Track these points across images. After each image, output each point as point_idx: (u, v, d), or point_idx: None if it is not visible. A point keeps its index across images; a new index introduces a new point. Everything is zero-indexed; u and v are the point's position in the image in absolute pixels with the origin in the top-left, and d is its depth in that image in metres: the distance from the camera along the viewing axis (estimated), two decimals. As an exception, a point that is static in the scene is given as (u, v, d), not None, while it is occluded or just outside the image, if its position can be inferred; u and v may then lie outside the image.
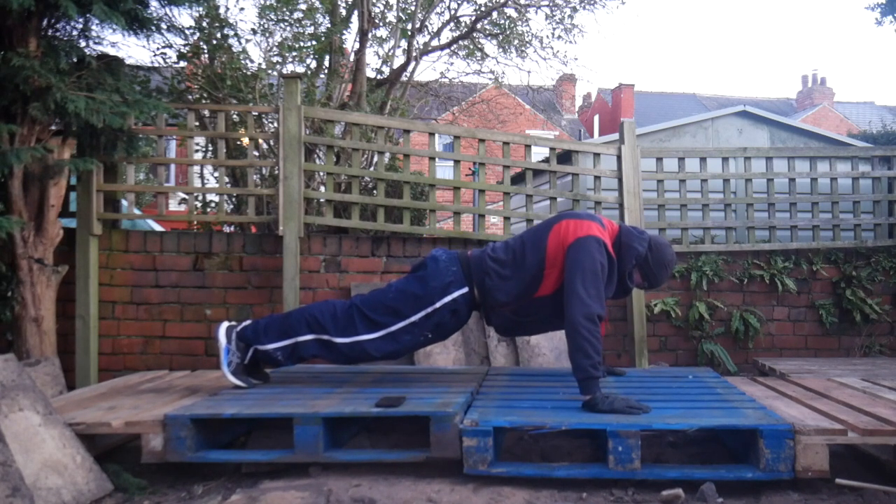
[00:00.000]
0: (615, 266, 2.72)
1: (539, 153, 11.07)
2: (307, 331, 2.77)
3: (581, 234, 2.65)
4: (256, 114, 4.56)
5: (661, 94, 28.46)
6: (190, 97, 4.98)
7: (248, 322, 2.89)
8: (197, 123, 4.57)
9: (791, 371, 3.58)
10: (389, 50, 6.77)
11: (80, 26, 3.37)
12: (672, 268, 2.89)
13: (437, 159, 4.17)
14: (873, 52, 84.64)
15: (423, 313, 2.73)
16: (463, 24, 7.60)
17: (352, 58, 5.92)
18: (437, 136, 4.21)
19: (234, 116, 4.86)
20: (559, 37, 7.92)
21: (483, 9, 7.45)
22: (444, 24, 7.50)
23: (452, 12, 7.50)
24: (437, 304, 2.73)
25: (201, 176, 5.42)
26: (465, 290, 2.75)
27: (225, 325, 2.84)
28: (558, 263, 2.68)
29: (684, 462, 2.55)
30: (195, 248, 3.98)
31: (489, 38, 7.79)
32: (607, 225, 2.80)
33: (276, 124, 4.02)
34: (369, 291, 2.93)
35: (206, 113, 4.91)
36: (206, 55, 5.05)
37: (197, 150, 4.47)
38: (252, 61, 5.25)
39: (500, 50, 7.93)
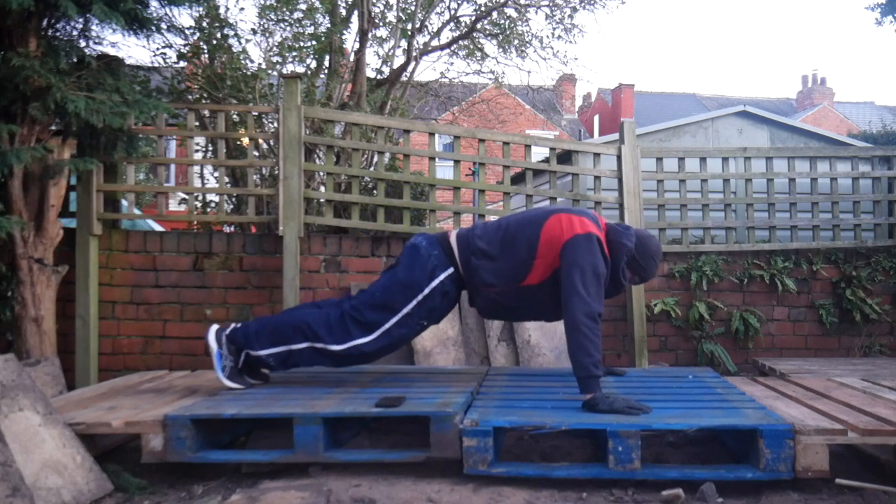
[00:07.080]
0: (608, 264, 2.71)
1: (539, 153, 11.08)
2: (301, 339, 2.74)
3: (578, 231, 2.64)
4: (256, 114, 4.56)
5: (661, 94, 28.46)
6: (190, 97, 4.97)
7: (237, 325, 2.85)
8: (197, 123, 4.57)
9: (791, 371, 3.58)
10: (389, 50, 6.76)
11: (80, 26, 3.37)
12: (659, 257, 2.87)
13: (437, 159, 4.17)
14: (873, 52, 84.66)
15: (414, 302, 2.72)
16: (463, 24, 7.59)
17: (352, 58, 5.91)
18: (437, 136, 4.21)
19: (234, 116, 4.85)
20: (559, 37, 7.91)
21: (483, 9, 7.44)
22: (444, 24, 7.49)
23: (452, 12, 7.49)
24: (426, 290, 2.72)
25: (201, 176, 5.41)
26: (451, 270, 2.74)
27: (214, 328, 2.80)
28: (549, 257, 2.66)
29: (684, 462, 2.55)
30: (195, 248, 3.98)
31: (489, 38, 7.78)
32: (600, 222, 2.79)
33: (276, 124, 4.02)
34: (357, 293, 2.91)
35: (206, 113, 4.91)
36: (206, 55, 5.04)
37: (197, 150, 4.47)
38: (252, 61, 5.25)
39: (500, 50, 7.92)
